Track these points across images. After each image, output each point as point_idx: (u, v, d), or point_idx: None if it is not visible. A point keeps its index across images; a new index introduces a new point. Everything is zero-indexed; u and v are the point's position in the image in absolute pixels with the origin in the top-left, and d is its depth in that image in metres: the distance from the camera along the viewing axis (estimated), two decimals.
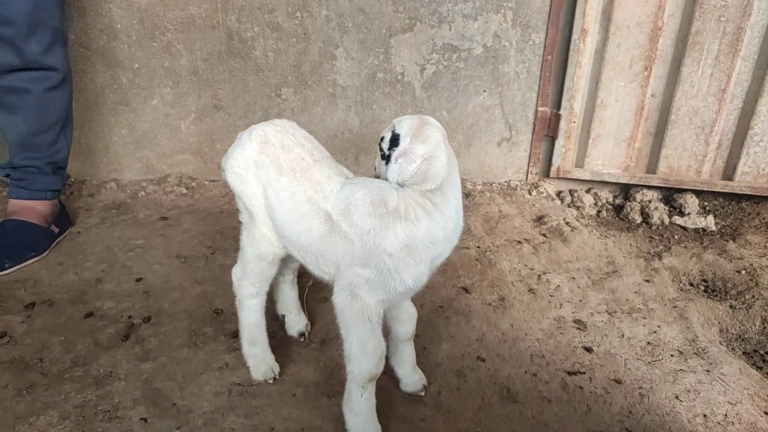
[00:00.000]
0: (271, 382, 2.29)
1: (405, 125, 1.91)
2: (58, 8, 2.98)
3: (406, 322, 2.20)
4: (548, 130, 4.04)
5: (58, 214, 3.34)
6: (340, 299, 1.95)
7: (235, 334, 2.45)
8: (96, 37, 3.73)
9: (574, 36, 3.75)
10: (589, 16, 3.72)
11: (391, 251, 1.81)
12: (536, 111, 4.01)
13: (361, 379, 1.96)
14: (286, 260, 2.39)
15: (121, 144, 4.03)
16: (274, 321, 2.64)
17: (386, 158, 1.89)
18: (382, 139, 1.92)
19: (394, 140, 1.88)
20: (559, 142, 4.00)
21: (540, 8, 3.77)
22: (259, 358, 2.31)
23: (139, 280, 2.95)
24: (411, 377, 2.28)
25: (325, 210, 1.95)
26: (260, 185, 2.11)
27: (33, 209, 3.19)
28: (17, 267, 2.96)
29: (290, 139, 2.12)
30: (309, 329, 2.60)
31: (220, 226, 3.49)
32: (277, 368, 2.33)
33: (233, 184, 2.20)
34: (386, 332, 2.18)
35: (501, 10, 3.78)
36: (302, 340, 2.57)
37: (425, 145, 1.84)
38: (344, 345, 1.98)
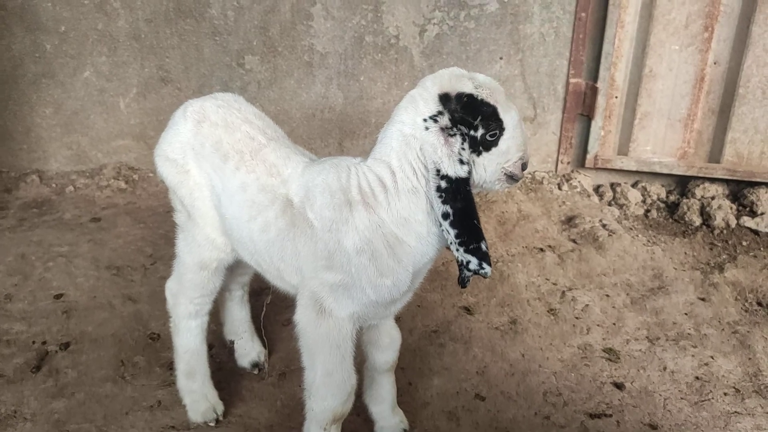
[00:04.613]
0: (212, 424, 2.31)
1: (486, 84, 1.80)
2: None
3: (387, 348, 2.21)
4: (583, 107, 4.03)
5: None
6: (303, 316, 1.98)
7: (173, 366, 2.47)
8: None
9: None
10: None
11: (358, 247, 1.84)
12: (567, 83, 4.01)
13: (324, 418, 1.99)
14: (233, 272, 2.42)
15: (45, 127, 4.08)
16: (223, 349, 2.68)
17: (477, 142, 1.79)
18: (439, 114, 1.77)
19: (481, 112, 1.77)
20: (597, 123, 3.99)
21: None
22: (198, 394, 2.34)
23: (58, 296, 2.99)
24: (389, 419, 2.29)
25: (284, 196, 1.99)
26: (204, 175, 2.14)
27: None
28: None
29: (235, 115, 2.16)
30: (265, 359, 2.62)
31: (165, 228, 3.53)
32: (220, 407, 2.35)
33: (167, 174, 2.23)
34: (361, 361, 2.21)
35: None
36: (256, 372, 2.59)
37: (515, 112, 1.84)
38: (305, 374, 2.01)
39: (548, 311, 3.00)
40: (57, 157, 4.14)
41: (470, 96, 1.77)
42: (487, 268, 1.78)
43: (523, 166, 1.88)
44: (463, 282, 1.84)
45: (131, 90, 4.05)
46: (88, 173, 4.10)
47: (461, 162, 1.77)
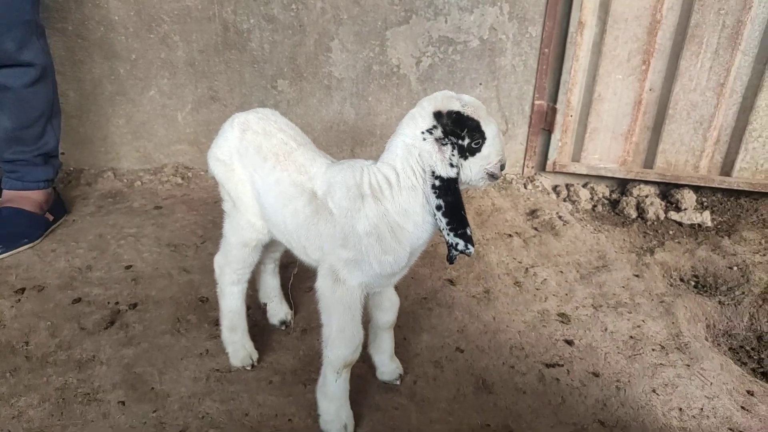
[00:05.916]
0: (248, 368, 2.34)
1: (470, 103, 1.80)
2: (27, 1, 2.87)
3: (388, 310, 2.23)
4: (545, 123, 4.03)
5: (53, 202, 3.40)
6: (322, 284, 2.00)
7: (218, 322, 2.48)
8: (93, 28, 3.79)
9: (571, 29, 3.74)
10: (586, 9, 3.70)
11: (368, 230, 1.86)
12: (533, 104, 4.00)
13: (337, 364, 2.00)
14: (268, 249, 2.43)
15: (118, 134, 4.09)
16: (257, 310, 2.69)
17: (464, 149, 1.78)
18: (434, 127, 1.75)
19: (467, 125, 1.76)
20: (556, 136, 3.99)
21: (537, 1, 3.76)
22: (238, 344, 2.36)
23: (128, 267, 3.01)
24: (388, 366, 2.31)
25: (311, 189, 2.01)
26: (246, 172, 2.16)
27: (27, 198, 3.25)
28: (10, 253, 3.03)
29: (272, 125, 2.17)
30: (291, 318, 2.64)
31: (213, 215, 3.54)
32: (255, 355, 2.37)
33: (217, 172, 2.25)
34: (367, 320, 2.22)
35: (497, 3, 3.78)
36: (284, 328, 2.61)
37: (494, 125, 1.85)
38: (323, 329, 2.03)
39: (514, 283, 3.01)
40: (128, 158, 4.15)
41: (458, 113, 1.76)
42: (471, 249, 1.79)
43: (501, 167, 1.88)
44: (451, 260, 1.85)
45: (187, 106, 4.05)
46: (152, 171, 4.11)
47: (451, 165, 1.77)
